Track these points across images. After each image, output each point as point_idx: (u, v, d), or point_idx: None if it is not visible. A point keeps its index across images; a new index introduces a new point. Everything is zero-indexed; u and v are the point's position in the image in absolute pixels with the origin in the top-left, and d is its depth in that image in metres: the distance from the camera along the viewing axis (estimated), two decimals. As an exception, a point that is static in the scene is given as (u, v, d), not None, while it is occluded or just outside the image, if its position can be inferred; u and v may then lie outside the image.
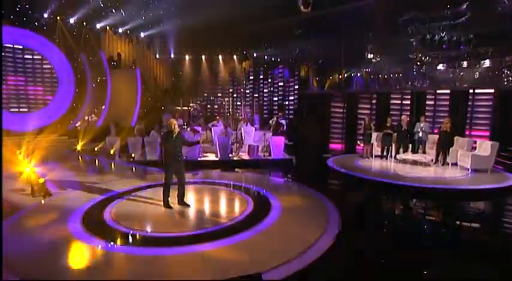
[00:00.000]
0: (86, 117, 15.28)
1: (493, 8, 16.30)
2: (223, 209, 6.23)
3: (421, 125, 10.96)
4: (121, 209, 6.03)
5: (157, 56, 18.66)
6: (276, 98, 18.00)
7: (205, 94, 18.46)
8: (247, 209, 5.99)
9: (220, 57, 18.78)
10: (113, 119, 12.68)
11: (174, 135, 5.83)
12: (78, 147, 12.92)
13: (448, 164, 10.21)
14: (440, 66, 18.50)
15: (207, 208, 6.27)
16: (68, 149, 13.02)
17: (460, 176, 9.05)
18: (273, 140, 10.92)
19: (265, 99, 18.36)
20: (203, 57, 18.81)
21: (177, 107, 15.05)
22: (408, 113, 13.62)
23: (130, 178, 8.58)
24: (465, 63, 17.48)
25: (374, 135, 11.53)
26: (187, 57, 18.75)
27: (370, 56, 19.88)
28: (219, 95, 18.87)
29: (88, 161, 11.42)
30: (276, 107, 17.92)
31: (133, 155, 10.59)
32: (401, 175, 9.10)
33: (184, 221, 5.53)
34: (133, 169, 9.80)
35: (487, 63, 16.65)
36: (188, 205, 6.06)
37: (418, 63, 19.20)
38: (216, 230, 5.02)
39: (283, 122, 11.61)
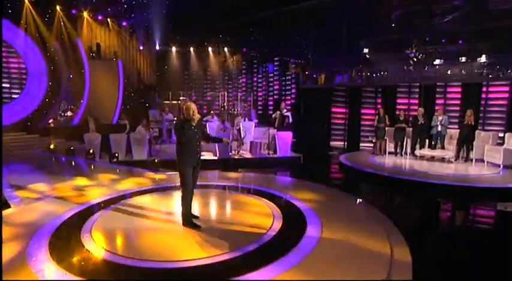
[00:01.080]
0: (61, 113, 13.50)
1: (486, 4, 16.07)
2: (244, 221, 4.66)
3: (440, 118, 10.02)
4: (106, 225, 4.50)
5: (141, 48, 17.04)
6: (271, 93, 16.79)
7: (194, 88, 16.94)
8: (274, 220, 4.61)
9: (210, 49, 17.38)
10: (92, 114, 11.07)
11: (194, 124, 4.31)
12: (52, 146, 11.20)
13: (471, 160, 9.33)
14: (437, 62, 18.00)
15: (222, 219, 4.88)
16: (40, 149, 11.28)
17: (494, 173, 8.14)
18: (279, 135, 9.68)
19: (259, 94, 17.12)
20: (191, 49, 17.34)
21: (166, 101, 13.53)
22: (416, 107, 12.81)
23: (116, 181, 7.08)
24: (463, 59, 17.07)
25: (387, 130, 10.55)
26: (174, 49, 17.22)
27: (365, 50, 19.16)
28: (209, 89, 17.43)
29: (63, 163, 9.81)
30: (272, 103, 16.74)
31: (117, 154, 9.06)
32: (435, 173, 8.06)
33: (201, 241, 3.95)
34: (118, 170, 8.29)
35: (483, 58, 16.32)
36: (196, 217, 4.67)
37: (415, 59, 18.62)
38: (250, 253, 3.62)
39: (289, 114, 10.35)
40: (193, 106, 4.38)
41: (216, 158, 9.23)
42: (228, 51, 17.37)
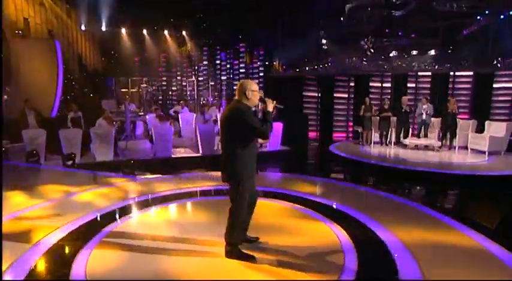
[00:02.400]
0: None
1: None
2: (305, 248, 3.35)
3: (424, 106, 9.95)
4: (99, 264, 3.08)
5: (82, 28, 14.43)
6: (236, 82, 15.58)
7: (148, 75, 14.88)
8: (343, 247, 3.34)
9: (166, 32, 15.43)
10: (31, 106, 8.73)
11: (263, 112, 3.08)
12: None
13: (454, 147, 9.42)
14: (393, 53, 18.63)
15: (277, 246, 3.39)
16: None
17: (484, 160, 8.19)
18: (268, 127, 8.64)
19: (223, 83, 15.80)
20: (145, 31, 15.21)
21: (123, 90, 11.50)
22: (389, 96, 12.84)
23: (88, 195, 5.38)
24: (414, 52, 17.93)
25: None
26: (123, 31, 14.92)
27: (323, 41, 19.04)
28: (166, 76, 15.52)
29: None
30: (223, 93, 15.59)
31: (73, 155, 7.16)
32: (438, 163, 7.95)
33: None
34: (84, 177, 6.50)
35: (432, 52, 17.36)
36: (256, 239, 3.47)
37: (372, 50, 19.03)
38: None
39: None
40: (254, 86, 3.08)
41: (199, 154, 7.88)
42: (186, 35, 15.63)
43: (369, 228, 3.86)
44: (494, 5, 15.92)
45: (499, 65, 13.15)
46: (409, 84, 13.02)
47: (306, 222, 4.09)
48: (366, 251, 3.30)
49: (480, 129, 9.55)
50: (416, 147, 9.66)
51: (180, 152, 8.01)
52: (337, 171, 8.39)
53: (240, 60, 15.49)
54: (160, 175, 6.37)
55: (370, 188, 6.00)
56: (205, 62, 15.86)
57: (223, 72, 15.73)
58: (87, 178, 6.31)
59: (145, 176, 6.35)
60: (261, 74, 15.09)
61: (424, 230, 3.84)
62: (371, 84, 13.37)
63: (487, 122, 9.48)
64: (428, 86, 12.80)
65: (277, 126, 8.79)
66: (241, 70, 15.57)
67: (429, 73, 13.05)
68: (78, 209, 4.47)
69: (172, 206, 4.65)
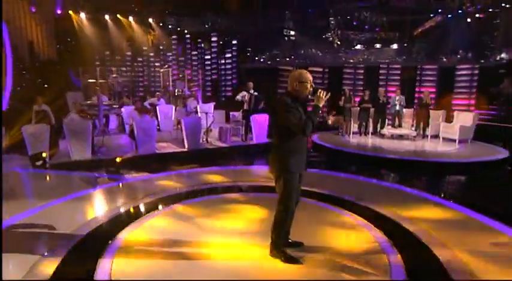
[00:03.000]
0: None
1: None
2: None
3: (398, 98, 10.37)
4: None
5: (33, 10, 12.85)
6: (208, 73, 15.03)
7: (113, 65, 13.71)
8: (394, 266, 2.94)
9: (131, 19, 14.31)
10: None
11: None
12: None
13: (427, 136, 9.94)
14: (358, 47, 19.26)
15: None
16: None
17: (456, 148, 8.71)
18: (255, 119, 8.41)
19: (193, 73, 15.12)
20: (107, 17, 13.95)
21: (91, 80, 10.42)
22: (362, 88, 13.20)
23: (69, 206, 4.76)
24: (378, 45, 18.70)
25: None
26: (83, 15, 13.54)
27: (290, 32, 19.09)
28: (130, 66, 14.46)
29: None
30: (210, 83, 15.07)
31: (44, 154, 6.33)
32: (421, 151, 8.36)
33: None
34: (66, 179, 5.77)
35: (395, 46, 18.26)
36: (300, 243, 3.23)
37: (339, 42, 19.47)
38: None
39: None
40: (308, 75, 2.87)
41: (185, 149, 7.43)
42: (154, 23, 14.64)
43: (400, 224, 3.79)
44: (446, 4, 17.18)
45: (444, 59, 14.25)
46: (380, 76, 13.45)
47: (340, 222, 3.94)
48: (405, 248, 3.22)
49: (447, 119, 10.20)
50: (392, 136, 10.04)
51: (164, 148, 7.48)
52: (328, 162, 8.40)
53: (212, 50, 14.92)
54: (162, 172, 5.91)
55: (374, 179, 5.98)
56: (174, 52, 15.05)
57: (195, 63, 15.05)
58: (73, 180, 5.64)
59: (136, 175, 5.82)
60: (234, 64, 14.67)
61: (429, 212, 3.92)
62: (344, 76, 13.63)
63: (455, 113, 10.09)
64: (398, 78, 13.33)
65: (263, 119, 8.58)
66: (213, 60, 15.00)
67: (399, 66, 13.56)
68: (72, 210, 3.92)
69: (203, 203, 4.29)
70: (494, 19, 16.19)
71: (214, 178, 5.67)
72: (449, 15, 17.73)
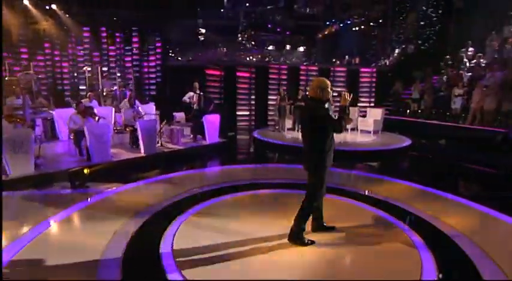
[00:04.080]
0: None
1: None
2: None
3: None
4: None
5: None
6: (130, 71, 13.93)
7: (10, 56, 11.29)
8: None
9: (27, 2, 11.99)
10: None
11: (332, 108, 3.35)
12: None
13: (347, 129, 11.59)
14: (270, 47, 20.71)
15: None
16: None
17: (372, 139, 10.44)
18: (207, 119, 8.41)
19: (110, 71, 13.78)
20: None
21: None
22: (285, 87, 14.28)
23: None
24: (288, 47, 20.50)
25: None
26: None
27: (202, 31, 19.30)
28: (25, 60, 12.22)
29: None
30: (132, 82, 14.01)
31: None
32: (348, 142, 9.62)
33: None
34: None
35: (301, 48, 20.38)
36: (333, 227, 3.68)
37: (253, 43, 20.52)
38: None
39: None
40: (327, 82, 3.26)
41: (143, 155, 6.97)
42: (58, 10, 12.67)
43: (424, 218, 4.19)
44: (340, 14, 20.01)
45: (337, 61, 16.86)
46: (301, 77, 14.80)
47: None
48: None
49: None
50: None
51: (117, 155, 6.84)
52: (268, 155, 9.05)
53: (133, 45, 13.88)
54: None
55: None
56: (86, 46, 13.42)
57: (112, 59, 13.74)
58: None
59: (112, 186, 5.25)
60: (158, 62, 14.00)
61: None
62: (270, 76, 14.51)
63: (368, 109, 12.04)
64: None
65: (215, 119, 8.66)
66: (134, 57, 13.98)
67: (316, 68, 15.15)
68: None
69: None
70: (373, 31, 19.69)
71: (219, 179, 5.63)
72: (341, 25, 20.63)
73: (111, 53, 13.72)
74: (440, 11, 17.85)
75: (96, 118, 6.86)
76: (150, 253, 3.17)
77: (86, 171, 5.24)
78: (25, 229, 3.67)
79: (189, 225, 3.80)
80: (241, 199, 4.73)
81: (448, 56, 13.49)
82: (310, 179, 3.34)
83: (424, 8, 18.12)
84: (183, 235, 3.53)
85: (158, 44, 14.00)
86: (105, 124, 6.58)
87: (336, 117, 3.29)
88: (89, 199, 4.61)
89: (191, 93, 8.67)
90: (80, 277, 2.77)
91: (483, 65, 11.90)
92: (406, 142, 9.78)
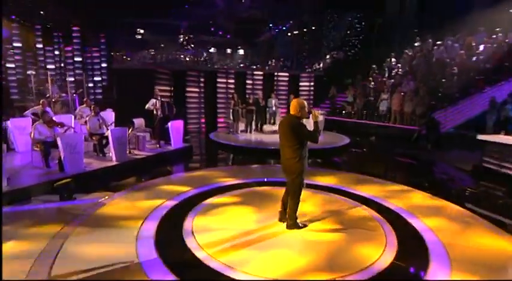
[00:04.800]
0: None
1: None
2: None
3: (273, 101, 12.88)
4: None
5: None
6: (71, 73, 13.20)
7: None
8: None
9: None
10: None
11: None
12: None
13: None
14: (211, 50, 21.25)
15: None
16: None
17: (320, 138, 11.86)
18: (172, 125, 8.74)
19: (51, 73, 12.87)
20: None
21: None
22: (233, 91, 15.00)
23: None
24: (228, 50, 21.27)
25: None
26: None
27: (141, 31, 19.14)
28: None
29: None
30: (74, 86, 13.32)
31: None
32: None
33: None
34: None
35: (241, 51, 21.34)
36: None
37: (192, 45, 20.81)
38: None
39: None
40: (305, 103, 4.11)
41: (116, 163, 7.09)
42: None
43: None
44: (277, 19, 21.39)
45: (273, 64, 18.34)
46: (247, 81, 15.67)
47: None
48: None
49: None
50: (270, 132, 12.41)
51: (88, 165, 6.83)
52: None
53: (74, 46, 13.18)
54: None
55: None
56: (17, 44, 12.33)
57: (50, 60, 12.84)
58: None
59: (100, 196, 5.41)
60: (104, 64, 13.56)
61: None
62: (218, 80, 15.08)
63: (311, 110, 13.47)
64: (261, 83, 15.95)
65: (179, 124, 9.03)
66: (76, 59, 13.29)
67: (261, 72, 16.16)
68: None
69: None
70: (304, 36, 21.52)
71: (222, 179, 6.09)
72: (276, 29, 22.12)
73: (49, 54, 12.84)
74: (363, 23, 20.41)
75: (65, 128, 6.77)
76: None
77: (72, 183, 5.30)
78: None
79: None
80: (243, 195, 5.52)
81: (374, 66, 15.71)
82: (292, 181, 4.12)
83: (349, 19, 20.53)
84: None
85: (103, 46, 13.51)
86: (78, 134, 6.56)
87: (312, 130, 4.14)
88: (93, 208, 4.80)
89: (154, 100, 8.88)
90: None
91: (400, 73, 14.28)
92: (346, 140, 11.37)
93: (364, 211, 4.98)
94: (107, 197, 5.32)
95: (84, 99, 9.28)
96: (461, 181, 7.65)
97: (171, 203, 5.12)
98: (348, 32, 20.86)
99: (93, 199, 5.28)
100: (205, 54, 20.37)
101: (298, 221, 4.28)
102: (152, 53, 17.22)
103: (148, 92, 13.59)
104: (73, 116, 8.35)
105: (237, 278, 3.19)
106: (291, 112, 4.09)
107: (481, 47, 12.90)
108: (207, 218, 4.58)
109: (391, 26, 17.20)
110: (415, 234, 4.24)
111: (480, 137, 7.75)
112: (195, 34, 20.74)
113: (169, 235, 4.10)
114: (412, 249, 3.86)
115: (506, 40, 12.58)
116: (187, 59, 19.27)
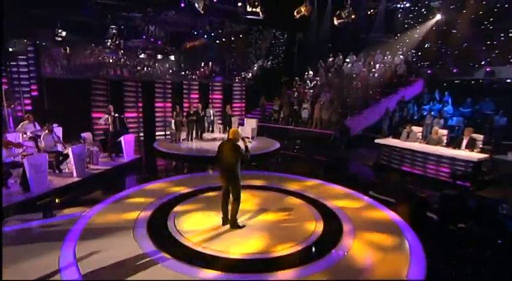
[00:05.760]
0: None
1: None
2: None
3: (211, 111, 14.17)
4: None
5: None
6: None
7: None
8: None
9: None
10: None
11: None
12: None
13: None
14: (142, 56, 21.31)
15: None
16: None
17: (252, 144, 13.49)
18: (125, 139, 9.36)
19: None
20: None
21: None
22: (170, 99, 15.71)
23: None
24: (159, 56, 21.53)
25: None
26: None
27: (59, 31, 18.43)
28: None
29: None
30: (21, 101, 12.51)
31: None
32: None
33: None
34: None
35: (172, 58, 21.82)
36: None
37: (122, 51, 20.57)
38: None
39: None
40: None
41: (78, 178, 7.55)
42: None
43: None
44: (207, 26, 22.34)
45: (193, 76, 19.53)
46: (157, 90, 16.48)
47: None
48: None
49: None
50: (210, 140, 13.63)
51: (52, 182, 7.15)
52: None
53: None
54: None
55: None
56: None
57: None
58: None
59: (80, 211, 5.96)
60: (33, 74, 13.03)
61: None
62: (156, 90, 15.62)
63: (245, 119, 15.06)
64: (197, 92, 16.93)
65: (130, 138, 9.67)
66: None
67: (196, 82, 17.13)
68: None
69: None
70: (233, 44, 22.98)
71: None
72: (205, 36, 23.16)
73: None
74: (286, 35, 22.65)
75: (23, 148, 7.01)
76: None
77: (57, 200, 5.82)
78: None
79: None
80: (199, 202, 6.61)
81: (297, 78, 18.04)
82: (234, 188, 5.48)
83: (273, 31, 22.54)
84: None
85: (31, 54, 12.97)
86: (42, 154, 6.88)
87: (244, 150, 5.55)
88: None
89: (106, 116, 9.38)
90: None
91: (319, 85, 16.83)
92: (276, 144, 13.24)
93: (292, 199, 6.80)
94: (86, 211, 5.99)
95: (26, 116, 9.26)
96: (365, 174, 10.10)
97: (147, 213, 6.08)
98: (273, 41, 22.72)
99: (74, 213, 5.90)
100: (136, 60, 20.33)
101: (238, 221, 5.60)
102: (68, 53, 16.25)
103: (83, 103, 13.60)
104: (20, 134, 8.36)
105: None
106: (230, 137, 5.51)
107: (377, 66, 16.14)
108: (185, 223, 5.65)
109: (308, 43, 19.82)
110: (330, 211, 6.25)
111: (376, 140, 10.29)
112: (123, 40, 20.44)
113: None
114: (331, 220, 5.89)
115: (394, 62, 16.08)
116: (118, 64, 19.10)
